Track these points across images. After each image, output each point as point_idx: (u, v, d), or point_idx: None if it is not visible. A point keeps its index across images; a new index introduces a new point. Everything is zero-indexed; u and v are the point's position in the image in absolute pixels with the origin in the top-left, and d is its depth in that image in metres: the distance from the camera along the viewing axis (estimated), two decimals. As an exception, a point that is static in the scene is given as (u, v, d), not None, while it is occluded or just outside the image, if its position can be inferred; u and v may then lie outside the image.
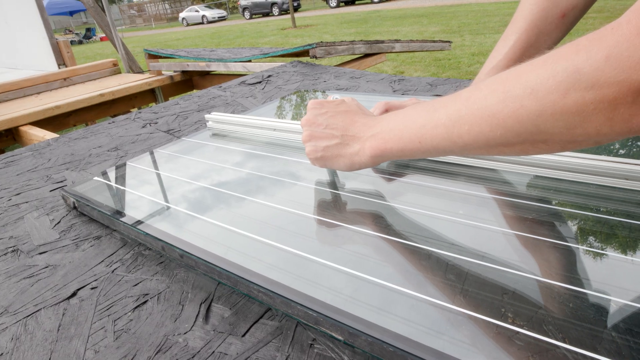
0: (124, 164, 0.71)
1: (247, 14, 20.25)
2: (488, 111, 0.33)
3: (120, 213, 0.55)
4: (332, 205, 0.51)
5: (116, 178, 0.66)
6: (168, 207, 0.55)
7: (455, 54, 5.64)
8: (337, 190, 0.54)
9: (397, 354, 0.30)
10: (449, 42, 2.38)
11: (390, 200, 0.51)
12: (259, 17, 19.80)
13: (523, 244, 0.40)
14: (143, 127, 0.95)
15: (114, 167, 0.71)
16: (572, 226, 0.41)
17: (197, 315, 0.41)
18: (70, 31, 24.21)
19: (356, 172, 0.58)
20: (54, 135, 1.63)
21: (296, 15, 15.83)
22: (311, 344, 0.36)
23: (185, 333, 0.39)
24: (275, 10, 19.07)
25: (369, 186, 0.54)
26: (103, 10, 2.40)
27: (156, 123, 0.97)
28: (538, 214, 0.44)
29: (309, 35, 9.41)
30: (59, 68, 2.50)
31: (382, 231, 0.44)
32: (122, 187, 0.63)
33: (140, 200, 0.58)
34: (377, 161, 0.46)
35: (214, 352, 0.37)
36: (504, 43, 0.61)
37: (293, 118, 0.86)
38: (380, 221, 0.47)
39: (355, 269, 0.38)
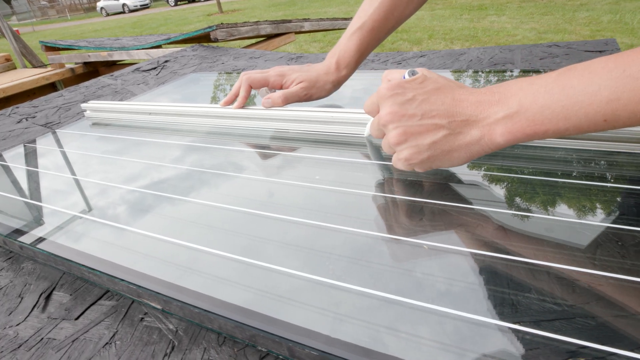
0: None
1: (171, 1, 19.35)
2: None
3: (-36, 212, 0.52)
4: (165, 181, 0.51)
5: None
6: (15, 201, 0.52)
7: (380, 32, 5.74)
8: (178, 164, 0.54)
9: (202, 314, 0.31)
10: (361, 19, 2.42)
11: (220, 168, 0.51)
12: (184, 4, 18.99)
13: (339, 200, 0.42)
14: (18, 122, 0.89)
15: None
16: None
17: (35, 306, 0.40)
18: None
19: (199, 145, 0.58)
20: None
21: (223, 0, 15.34)
22: (142, 318, 0.36)
23: (17, 325, 0.38)
24: (201, -4, 18.37)
25: (213, 160, 0.55)
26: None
27: (34, 117, 0.91)
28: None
29: (236, 20, 9.17)
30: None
31: (202, 197, 0.45)
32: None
33: (-10, 196, 0.54)
34: (505, 146, 0.36)
35: (42, 338, 0.36)
36: (370, 3, 0.62)
37: (178, 101, 0.84)
38: (207, 189, 0.47)
39: (174, 237, 0.39)
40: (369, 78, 0.82)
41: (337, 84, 0.63)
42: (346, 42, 0.62)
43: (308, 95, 0.61)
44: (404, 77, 0.40)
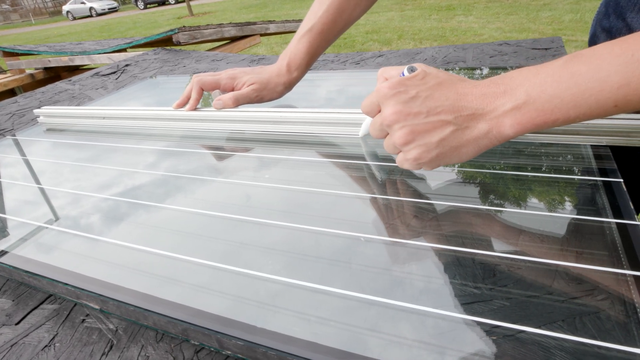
0: None
1: (140, 4, 19.01)
2: None
3: None
4: (112, 184, 0.51)
5: None
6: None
7: (350, 33, 5.80)
8: (129, 167, 0.54)
9: (137, 312, 0.31)
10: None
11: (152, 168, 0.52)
12: (154, 7, 18.69)
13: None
14: (-31, 130, 0.87)
15: None
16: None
17: (-25, 314, 0.40)
18: None
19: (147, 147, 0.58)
20: None
21: (193, 2, 15.17)
22: (83, 320, 0.36)
23: (-45, 333, 0.38)
24: (171, -2, 18.13)
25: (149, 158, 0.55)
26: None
27: (-14, 124, 0.89)
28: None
29: (207, 23, 9.08)
30: None
31: (144, 198, 0.45)
32: None
33: None
34: (514, 137, 0.35)
35: (-20, 346, 0.36)
36: (319, 6, 0.63)
37: (136, 105, 0.84)
38: (151, 191, 0.48)
39: (111, 238, 0.39)
40: (323, 78, 0.83)
41: (288, 86, 0.64)
42: (296, 45, 0.63)
43: (259, 97, 0.62)
44: (403, 74, 0.38)
